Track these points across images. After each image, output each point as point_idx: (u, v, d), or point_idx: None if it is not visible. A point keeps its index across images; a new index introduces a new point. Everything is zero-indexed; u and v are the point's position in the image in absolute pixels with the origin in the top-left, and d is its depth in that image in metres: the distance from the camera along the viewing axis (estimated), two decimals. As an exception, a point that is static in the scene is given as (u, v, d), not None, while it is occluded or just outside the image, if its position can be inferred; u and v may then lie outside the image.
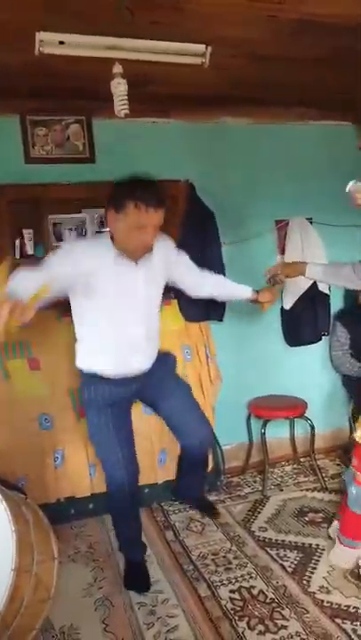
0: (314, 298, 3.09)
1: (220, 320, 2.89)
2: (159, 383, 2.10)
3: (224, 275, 2.91)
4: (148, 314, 1.99)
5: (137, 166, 2.92)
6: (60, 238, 2.82)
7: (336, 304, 3.30)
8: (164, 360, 2.15)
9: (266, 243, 3.19)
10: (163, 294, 2.11)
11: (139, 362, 1.99)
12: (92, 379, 1.96)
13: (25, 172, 2.70)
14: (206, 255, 2.83)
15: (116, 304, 1.90)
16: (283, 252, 3.17)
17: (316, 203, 3.18)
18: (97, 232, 2.66)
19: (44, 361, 2.62)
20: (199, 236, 2.82)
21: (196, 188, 2.86)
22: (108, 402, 1.96)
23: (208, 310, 2.80)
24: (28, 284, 1.54)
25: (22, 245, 2.75)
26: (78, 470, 2.63)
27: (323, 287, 3.07)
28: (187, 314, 2.78)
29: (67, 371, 2.63)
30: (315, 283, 2.94)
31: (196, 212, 2.85)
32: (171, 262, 2.05)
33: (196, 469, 2.40)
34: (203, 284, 2.25)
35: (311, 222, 3.19)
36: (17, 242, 2.74)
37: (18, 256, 2.75)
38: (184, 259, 2.14)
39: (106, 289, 1.85)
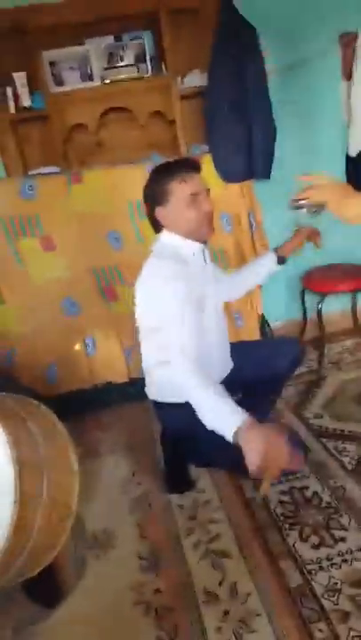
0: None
1: (267, 177, 2.33)
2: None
3: (272, 118, 2.28)
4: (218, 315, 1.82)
5: None
6: (60, 82, 2.24)
7: None
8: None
9: (327, 65, 2.44)
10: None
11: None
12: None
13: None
14: (246, 89, 2.18)
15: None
16: (349, 76, 2.42)
17: None
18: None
19: (58, 239, 2.25)
20: (235, 63, 2.14)
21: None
22: None
23: (252, 166, 2.23)
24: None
25: (15, 95, 2.21)
26: (113, 357, 2.45)
27: None
28: (225, 172, 2.22)
29: (86, 248, 2.28)
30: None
31: (231, 29, 2.13)
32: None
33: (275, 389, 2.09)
34: (235, 284, 1.98)
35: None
36: (8, 91, 2.20)
37: (13, 110, 2.24)
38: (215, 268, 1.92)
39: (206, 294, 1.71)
